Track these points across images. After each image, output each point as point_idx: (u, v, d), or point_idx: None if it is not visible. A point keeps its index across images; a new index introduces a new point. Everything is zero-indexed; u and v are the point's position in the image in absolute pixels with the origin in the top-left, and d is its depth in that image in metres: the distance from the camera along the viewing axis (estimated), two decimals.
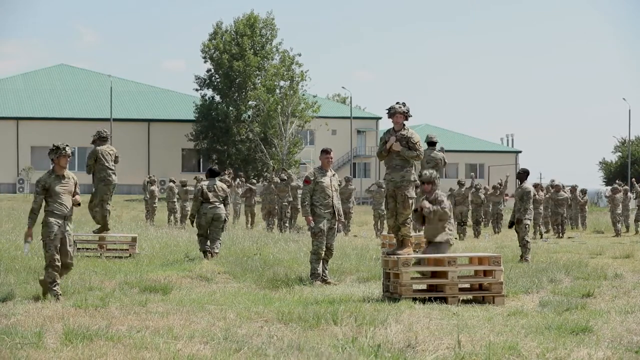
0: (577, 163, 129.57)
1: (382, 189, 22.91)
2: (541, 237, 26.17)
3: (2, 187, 59.63)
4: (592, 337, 7.71)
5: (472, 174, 35.45)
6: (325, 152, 12.68)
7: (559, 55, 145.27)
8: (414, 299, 10.03)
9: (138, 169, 61.06)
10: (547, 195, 28.47)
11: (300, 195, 26.80)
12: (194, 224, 15.43)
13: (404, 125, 10.98)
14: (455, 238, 24.44)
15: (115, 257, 15.03)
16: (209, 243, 15.19)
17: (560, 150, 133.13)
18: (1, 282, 11.06)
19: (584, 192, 32.62)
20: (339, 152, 66.17)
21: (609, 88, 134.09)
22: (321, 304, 9.59)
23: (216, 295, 10.57)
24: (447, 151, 17.51)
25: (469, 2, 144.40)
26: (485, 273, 10.48)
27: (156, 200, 29.35)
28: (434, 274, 10.58)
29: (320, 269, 12.29)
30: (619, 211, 28.46)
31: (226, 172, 31.05)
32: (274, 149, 57.58)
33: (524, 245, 15.77)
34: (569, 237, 26.28)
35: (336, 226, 12.70)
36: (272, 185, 27.18)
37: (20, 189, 58.58)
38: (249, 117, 59.49)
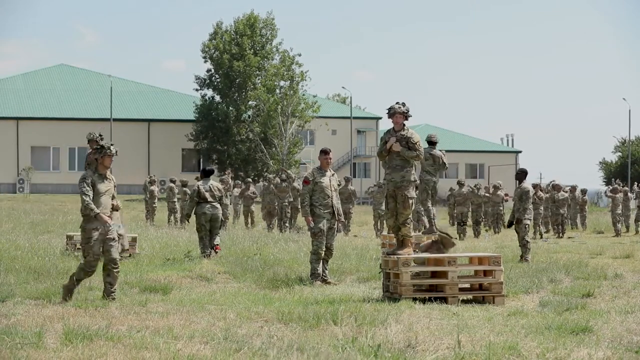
0: (577, 163, 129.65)
1: (382, 189, 22.90)
2: (541, 237, 26.17)
3: (2, 187, 59.62)
4: (592, 337, 7.71)
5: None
6: (324, 152, 12.68)
7: (559, 55, 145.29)
8: (414, 299, 10.03)
9: (138, 169, 61.04)
10: (547, 195, 28.47)
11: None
12: (191, 224, 15.46)
13: (404, 125, 10.96)
14: (455, 238, 24.46)
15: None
16: (207, 246, 15.25)
17: (560, 150, 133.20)
18: (1, 282, 11.05)
19: (584, 192, 32.62)
20: (339, 152, 66.16)
21: (609, 88, 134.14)
22: (321, 304, 9.59)
23: (216, 295, 10.57)
24: (447, 151, 17.48)
25: (469, 2, 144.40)
26: (486, 273, 10.48)
27: (156, 200, 29.36)
28: (434, 274, 10.59)
29: (320, 269, 12.30)
30: (619, 211, 28.47)
31: (226, 172, 31.07)
32: (274, 149, 57.57)
33: (523, 245, 15.77)
34: (569, 237, 26.28)
35: (336, 226, 12.71)
36: (272, 186, 27.17)
37: (20, 189, 58.56)
38: (249, 117, 59.48)
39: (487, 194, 28.63)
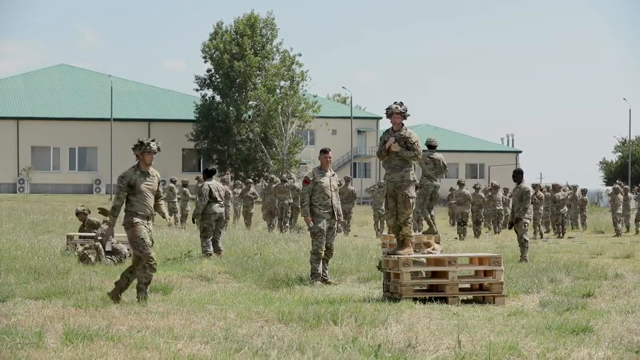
0: (577, 163, 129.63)
1: (383, 189, 22.91)
2: (541, 237, 26.17)
3: (3, 187, 59.61)
4: (593, 337, 7.71)
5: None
6: (324, 152, 12.68)
7: (559, 55, 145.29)
8: (414, 299, 10.03)
9: None
10: (547, 195, 28.47)
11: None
12: (199, 225, 15.47)
13: (402, 125, 10.95)
14: (455, 238, 24.45)
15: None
16: (211, 245, 15.31)
17: (560, 150, 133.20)
18: (1, 282, 11.06)
19: (584, 192, 32.62)
20: (339, 152, 66.16)
21: (609, 88, 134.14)
22: (321, 304, 9.59)
23: (216, 295, 10.57)
24: (447, 151, 17.50)
25: (469, 2, 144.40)
26: (486, 273, 10.48)
27: None
28: (434, 274, 10.59)
29: (320, 269, 12.29)
30: (620, 211, 28.47)
31: (227, 173, 31.07)
32: (274, 149, 57.56)
33: (522, 244, 15.76)
34: (569, 237, 26.28)
35: (336, 226, 12.70)
36: (273, 186, 27.17)
37: (21, 189, 58.55)
38: (249, 117, 59.48)
39: (487, 194, 28.63)
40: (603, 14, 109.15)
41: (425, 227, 14.66)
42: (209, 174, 15.85)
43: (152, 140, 9.87)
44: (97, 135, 61.76)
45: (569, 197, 29.89)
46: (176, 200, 28.56)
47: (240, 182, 32.59)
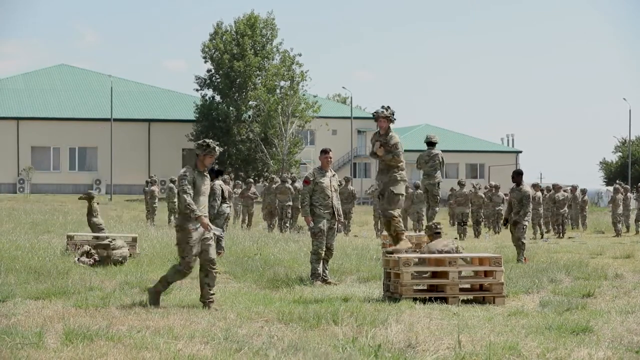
0: (577, 163, 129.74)
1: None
2: (542, 237, 26.16)
3: (3, 187, 59.60)
4: (593, 337, 7.71)
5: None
6: (324, 152, 12.68)
7: (559, 55, 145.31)
8: (415, 299, 10.03)
9: (138, 169, 61.06)
10: (546, 195, 28.47)
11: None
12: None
13: (389, 128, 11.10)
14: (455, 238, 24.46)
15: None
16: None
17: (560, 150, 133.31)
18: (1, 282, 11.05)
19: (584, 192, 32.62)
20: (339, 152, 66.16)
21: (609, 88, 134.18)
22: (321, 304, 9.59)
23: (216, 295, 10.55)
24: (447, 151, 17.56)
25: (469, 2, 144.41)
26: (486, 273, 10.48)
27: (156, 200, 29.34)
28: (435, 274, 10.59)
29: (320, 269, 12.29)
30: (620, 211, 28.47)
31: (227, 173, 31.07)
32: (274, 149, 57.55)
33: (518, 246, 15.70)
34: (569, 237, 26.28)
35: (336, 226, 12.71)
36: (273, 186, 27.17)
37: (21, 189, 58.54)
38: (249, 117, 59.48)
39: (488, 195, 28.63)
40: (603, 14, 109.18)
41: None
42: (217, 174, 15.94)
43: (217, 144, 9.71)
44: (97, 135, 61.76)
45: (569, 197, 29.89)
46: (176, 200, 28.52)
47: (240, 182, 32.58)
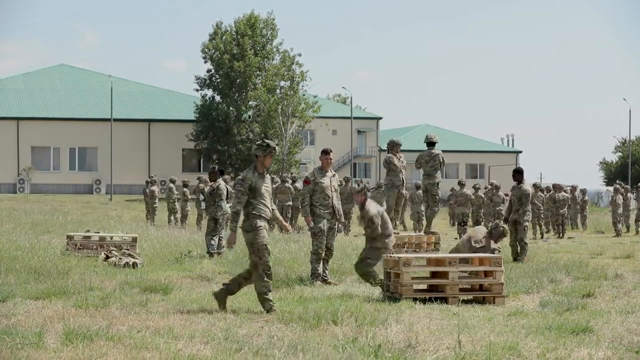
0: (577, 163, 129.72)
1: (382, 190, 22.92)
2: (542, 237, 26.15)
3: (3, 187, 59.60)
4: (593, 337, 7.71)
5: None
6: (325, 152, 12.68)
7: (559, 55, 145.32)
8: (415, 299, 10.03)
9: (138, 169, 61.04)
10: (547, 195, 28.46)
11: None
12: (210, 224, 15.58)
13: (365, 202, 11.73)
14: (455, 238, 24.43)
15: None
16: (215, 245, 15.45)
17: (560, 150, 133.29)
18: (1, 282, 11.05)
19: (584, 192, 32.61)
20: (339, 153, 66.16)
21: (609, 88, 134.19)
22: (321, 304, 9.59)
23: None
24: (447, 151, 17.58)
25: (469, 2, 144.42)
26: (486, 274, 10.48)
27: (157, 200, 29.34)
28: (435, 274, 10.60)
29: (320, 269, 12.29)
30: (620, 211, 28.47)
31: (227, 173, 31.05)
32: None
33: (521, 246, 15.72)
34: (569, 237, 26.27)
35: (336, 226, 12.71)
36: (273, 186, 27.17)
37: (21, 189, 58.54)
38: (249, 117, 59.48)
39: (488, 195, 28.62)
40: (603, 14, 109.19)
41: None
42: (221, 174, 16.07)
43: (277, 144, 9.63)
44: (97, 135, 61.76)
45: (568, 197, 29.88)
46: (175, 200, 28.52)
47: None
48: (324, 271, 12.39)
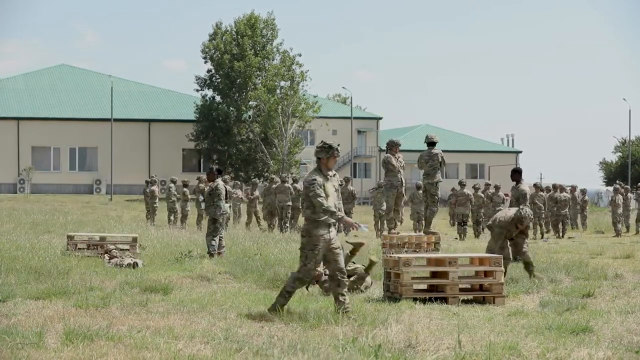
0: (577, 163, 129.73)
1: (382, 190, 22.94)
2: (542, 237, 26.15)
3: (3, 187, 59.59)
4: (593, 337, 7.71)
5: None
6: None
7: (559, 55, 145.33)
8: (415, 299, 10.03)
9: (138, 169, 61.03)
10: (547, 195, 28.47)
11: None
12: (210, 224, 15.57)
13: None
14: (456, 238, 24.45)
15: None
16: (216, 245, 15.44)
17: (560, 150, 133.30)
18: (2, 282, 11.05)
19: (584, 192, 32.61)
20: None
21: (609, 88, 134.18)
22: (322, 304, 9.59)
23: (217, 296, 10.57)
24: (447, 151, 17.59)
25: (469, 2, 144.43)
26: (486, 274, 10.49)
27: (157, 200, 29.34)
28: (435, 274, 10.60)
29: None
30: (620, 211, 28.47)
31: (227, 173, 31.04)
32: (274, 149, 57.53)
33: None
34: (569, 237, 26.27)
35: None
36: (273, 186, 27.15)
37: (21, 189, 58.54)
38: (249, 117, 59.46)
39: (488, 195, 28.61)
40: (603, 14, 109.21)
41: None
42: (219, 173, 16.05)
43: (339, 145, 9.47)
44: (97, 135, 61.76)
45: (569, 197, 29.89)
46: (175, 200, 28.52)
47: (239, 183, 32.54)
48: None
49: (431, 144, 16.31)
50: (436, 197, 16.30)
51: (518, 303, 10.32)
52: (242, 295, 10.61)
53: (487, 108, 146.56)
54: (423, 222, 22.47)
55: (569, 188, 31.66)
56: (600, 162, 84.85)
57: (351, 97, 66.69)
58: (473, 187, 28.45)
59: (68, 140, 62.23)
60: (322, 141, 9.55)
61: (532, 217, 16.34)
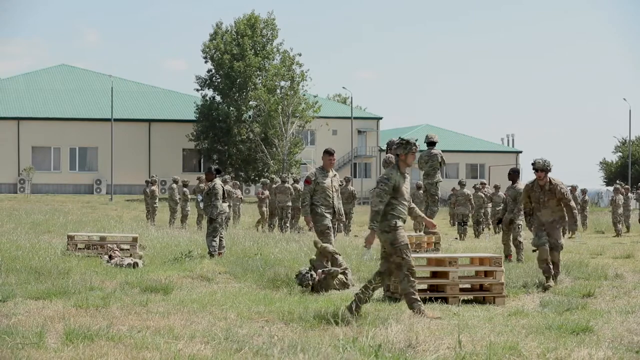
0: (577, 163, 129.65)
1: None
2: None
3: (3, 187, 59.61)
4: (593, 337, 7.71)
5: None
6: (328, 153, 12.70)
7: (559, 55, 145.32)
8: None
9: (138, 169, 61.05)
10: None
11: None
12: (209, 224, 15.57)
13: None
14: (456, 238, 24.44)
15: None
16: (217, 245, 15.44)
17: (560, 150, 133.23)
18: (2, 282, 11.05)
19: (584, 192, 32.61)
20: (339, 153, 66.16)
21: (609, 88, 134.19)
22: (322, 304, 9.59)
23: (217, 296, 10.56)
24: (447, 151, 17.57)
25: (469, 2, 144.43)
26: (486, 273, 10.49)
27: (157, 200, 29.32)
28: (435, 274, 10.60)
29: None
30: (620, 211, 28.48)
31: (227, 173, 31.01)
32: (274, 149, 57.55)
33: (516, 245, 15.75)
34: (569, 237, 26.26)
35: (336, 226, 12.73)
36: (273, 186, 27.17)
37: (21, 189, 58.55)
38: (249, 117, 59.48)
39: (487, 195, 28.62)
40: (604, 14, 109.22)
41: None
42: (217, 173, 16.02)
43: (417, 140, 9.23)
44: (97, 135, 61.77)
45: None
46: (177, 199, 28.50)
47: (238, 183, 32.52)
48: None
49: (431, 144, 16.32)
50: (436, 197, 16.30)
51: (518, 303, 10.32)
52: (242, 295, 10.60)
53: (487, 108, 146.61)
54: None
55: (569, 188, 31.65)
56: (601, 162, 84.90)
57: (351, 97, 66.78)
58: (473, 187, 28.44)
59: (68, 140, 62.24)
60: (399, 137, 9.30)
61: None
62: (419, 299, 9.07)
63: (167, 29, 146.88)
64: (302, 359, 6.65)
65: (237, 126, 59.16)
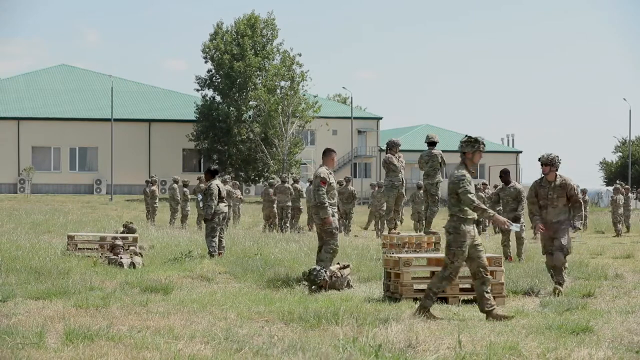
0: (577, 163, 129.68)
1: (382, 190, 22.93)
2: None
3: (3, 187, 59.60)
4: (593, 337, 7.71)
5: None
6: (334, 152, 12.65)
7: (560, 55, 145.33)
8: (415, 299, 10.03)
9: (138, 169, 61.04)
10: None
11: (303, 197, 26.71)
12: (207, 225, 15.54)
13: None
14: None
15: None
16: (216, 245, 15.42)
17: (560, 150, 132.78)
18: (2, 282, 11.05)
19: (584, 192, 32.60)
20: (339, 153, 66.12)
21: (609, 88, 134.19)
22: (322, 304, 9.59)
23: (217, 296, 10.57)
24: (447, 151, 17.55)
25: (469, 2, 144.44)
26: None
27: (157, 200, 29.31)
28: (435, 274, 10.59)
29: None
30: (620, 211, 28.47)
31: (227, 173, 31.00)
32: (274, 149, 57.54)
33: (519, 241, 15.87)
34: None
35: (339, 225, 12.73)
36: (273, 187, 27.14)
37: (21, 189, 58.55)
38: (249, 117, 59.47)
39: (487, 193, 28.57)
40: (604, 14, 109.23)
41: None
42: (213, 174, 15.96)
43: (484, 138, 9.08)
44: (97, 135, 61.77)
45: None
46: (179, 200, 28.48)
47: (239, 183, 32.49)
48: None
49: (431, 144, 16.30)
50: (436, 197, 16.29)
51: (518, 303, 10.32)
52: (242, 295, 10.60)
53: (487, 108, 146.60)
54: (423, 222, 22.50)
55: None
56: (601, 162, 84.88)
57: (351, 97, 66.78)
58: (475, 186, 28.40)
59: (68, 140, 62.24)
60: (466, 135, 9.16)
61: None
62: (432, 305, 9.04)
63: (167, 29, 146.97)
64: (302, 358, 6.65)
65: (237, 126, 59.15)
